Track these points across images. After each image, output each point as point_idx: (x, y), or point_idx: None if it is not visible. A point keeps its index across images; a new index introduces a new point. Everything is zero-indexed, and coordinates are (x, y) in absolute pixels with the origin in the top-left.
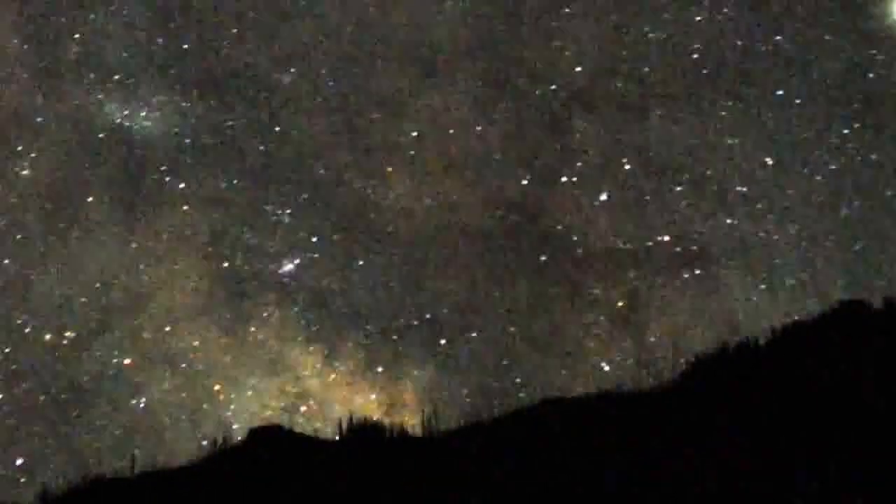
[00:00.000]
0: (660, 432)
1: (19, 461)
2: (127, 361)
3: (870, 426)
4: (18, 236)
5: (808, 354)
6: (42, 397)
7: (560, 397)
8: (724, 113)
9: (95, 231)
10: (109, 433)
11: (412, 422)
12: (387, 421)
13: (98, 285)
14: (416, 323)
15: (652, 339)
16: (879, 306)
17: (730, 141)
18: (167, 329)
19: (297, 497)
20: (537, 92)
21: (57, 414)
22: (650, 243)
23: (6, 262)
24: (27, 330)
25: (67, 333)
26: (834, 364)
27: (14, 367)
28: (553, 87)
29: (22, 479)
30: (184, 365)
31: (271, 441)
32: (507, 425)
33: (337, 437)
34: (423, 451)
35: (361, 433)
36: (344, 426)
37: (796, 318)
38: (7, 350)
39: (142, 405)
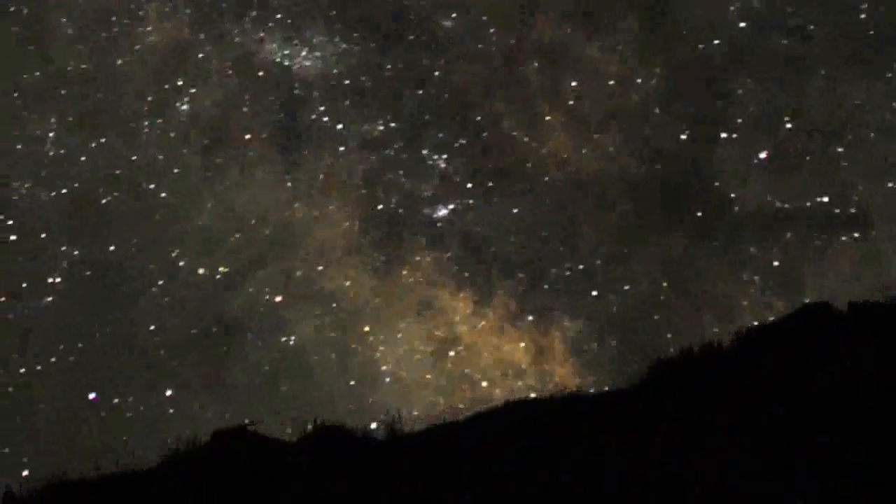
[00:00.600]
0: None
1: (168, 392)
2: (278, 298)
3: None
4: (176, 170)
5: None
6: (193, 331)
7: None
8: (889, 75)
9: (252, 168)
10: (258, 369)
11: (560, 371)
12: (535, 369)
13: (253, 222)
14: (567, 273)
15: (806, 301)
16: (842, 308)
17: (895, 104)
18: (319, 268)
19: (259, 500)
20: (700, 46)
21: (207, 348)
22: (808, 204)
23: (163, 195)
24: (181, 263)
25: (221, 268)
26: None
27: (167, 299)
28: (716, 41)
29: (171, 410)
30: (334, 305)
31: (234, 444)
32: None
33: (297, 440)
34: (387, 453)
35: (323, 436)
36: (308, 429)
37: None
38: (161, 282)
39: (291, 342)
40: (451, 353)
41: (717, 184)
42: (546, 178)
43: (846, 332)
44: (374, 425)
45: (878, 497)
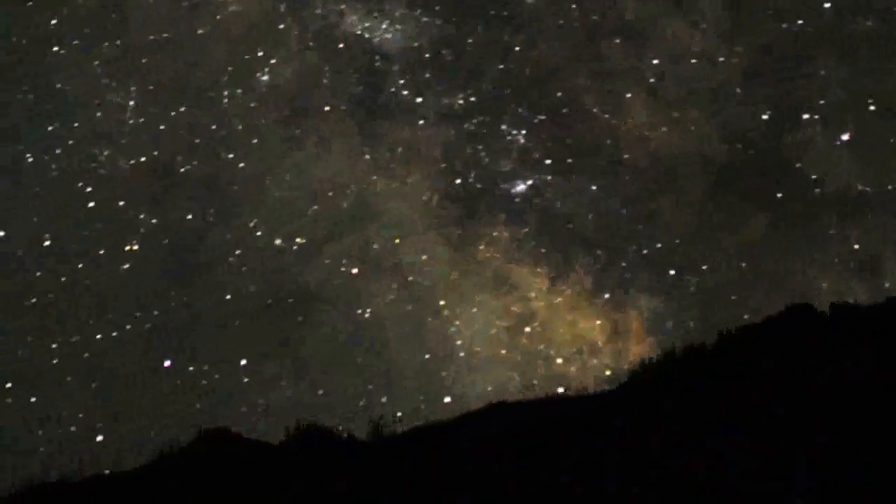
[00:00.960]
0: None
1: (243, 361)
2: (354, 270)
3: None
4: (255, 140)
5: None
6: (269, 301)
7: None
8: None
9: (331, 140)
10: (333, 340)
11: (636, 350)
12: (610, 348)
13: (331, 194)
14: (645, 252)
15: (887, 286)
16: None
17: None
18: (396, 241)
19: (259, 499)
20: (783, 26)
21: (282, 318)
22: (890, 187)
23: (241, 165)
24: (258, 233)
25: (298, 239)
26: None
27: (244, 268)
28: (800, 22)
29: (245, 380)
30: (410, 278)
31: (217, 446)
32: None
33: (296, 440)
34: (387, 453)
35: (322, 436)
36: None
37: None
38: (238, 252)
39: (367, 315)
40: (527, 329)
41: (798, 165)
42: (626, 156)
43: (846, 332)
44: (447, 399)
45: (878, 497)
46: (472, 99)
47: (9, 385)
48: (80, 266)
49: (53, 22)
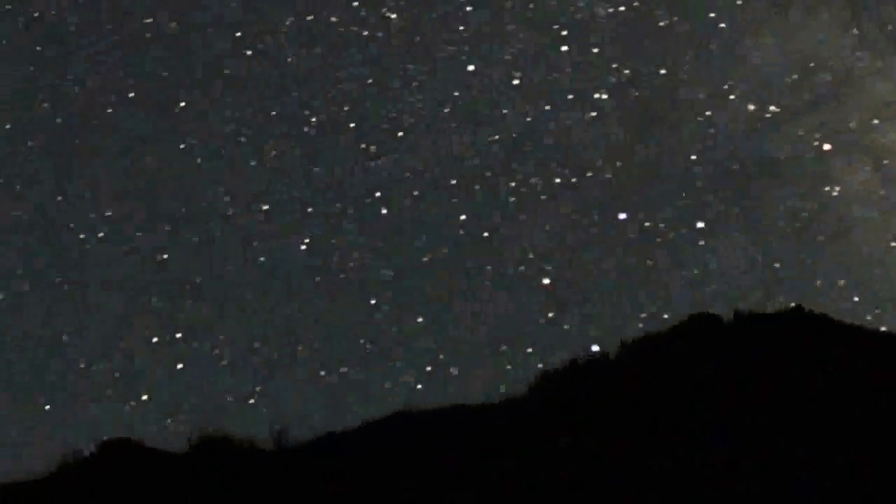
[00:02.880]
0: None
1: (700, 224)
2: (826, 147)
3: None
4: (739, 2)
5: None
6: (734, 166)
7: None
8: None
9: (818, 10)
10: (796, 215)
11: None
12: None
13: (812, 65)
14: None
15: None
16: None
17: None
18: (874, 122)
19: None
20: None
21: (743, 185)
22: None
23: (722, 25)
24: (732, 97)
25: (772, 108)
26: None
27: (711, 130)
28: None
29: (700, 242)
30: (886, 162)
31: (121, 456)
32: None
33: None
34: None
35: (211, 447)
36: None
37: None
38: (708, 113)
39: (834, 193)
40: None
41: None
42: None
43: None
44: None
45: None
46: None
47: (459, 235)
48: (546, 108)
49: None
